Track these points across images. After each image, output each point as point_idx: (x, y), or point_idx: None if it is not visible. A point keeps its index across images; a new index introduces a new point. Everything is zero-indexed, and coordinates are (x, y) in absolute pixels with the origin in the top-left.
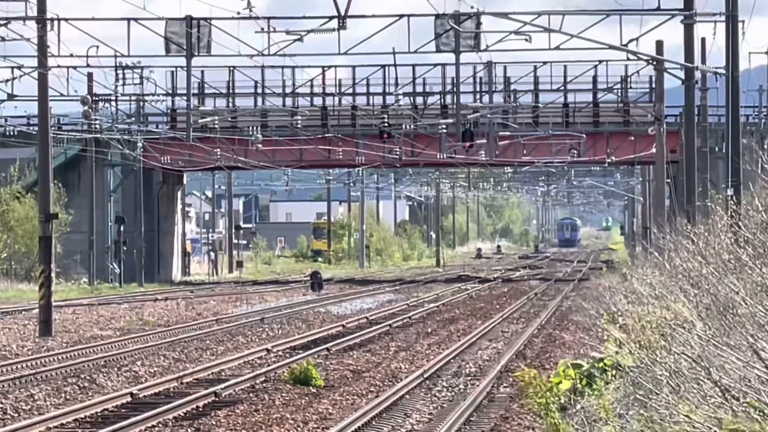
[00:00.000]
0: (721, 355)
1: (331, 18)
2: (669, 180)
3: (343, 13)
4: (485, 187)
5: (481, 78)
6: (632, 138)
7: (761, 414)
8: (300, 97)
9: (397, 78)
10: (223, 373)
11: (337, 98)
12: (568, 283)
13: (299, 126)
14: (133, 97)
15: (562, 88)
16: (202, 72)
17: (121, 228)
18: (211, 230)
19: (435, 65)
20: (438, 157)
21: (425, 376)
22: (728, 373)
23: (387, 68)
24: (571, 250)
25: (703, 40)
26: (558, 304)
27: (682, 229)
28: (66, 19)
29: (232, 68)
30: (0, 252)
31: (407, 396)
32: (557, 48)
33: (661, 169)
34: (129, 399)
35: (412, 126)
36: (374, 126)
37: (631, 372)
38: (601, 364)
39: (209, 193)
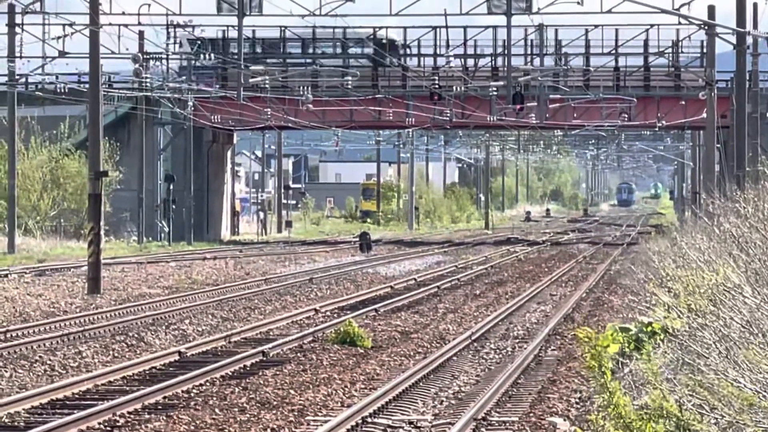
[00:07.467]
0: None
1: None
2: (719, 145)
3: None
4: (535, 150)
5: (532, 41)
6: (683, 103)
7: None
8: (351, 58)
9: (448, 40)
10: (270, 333)
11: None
12: (617, 247)
13: (350, 86)
14: (183, 56)
15: (613, 51)
16: (253, 31)
17: (171, 186)
18: (260, 190)
19: (486, 27)
20: (488, 119)
21: (473, 338)
22: None
23: (438, 30)
24: (621, 213)
25: (755, 5)
26: (606, 267)
27: (731, 195)
28: None
29: (283, 28)
30: (49, 209)
31: (455, 357)
32: (609, 11)
33: (711, 134)
34: (177, 357)
35: (462, 88)
36: (425, 88)
37: (679, 336)
38: (649, 328)
39: (259, 153)
